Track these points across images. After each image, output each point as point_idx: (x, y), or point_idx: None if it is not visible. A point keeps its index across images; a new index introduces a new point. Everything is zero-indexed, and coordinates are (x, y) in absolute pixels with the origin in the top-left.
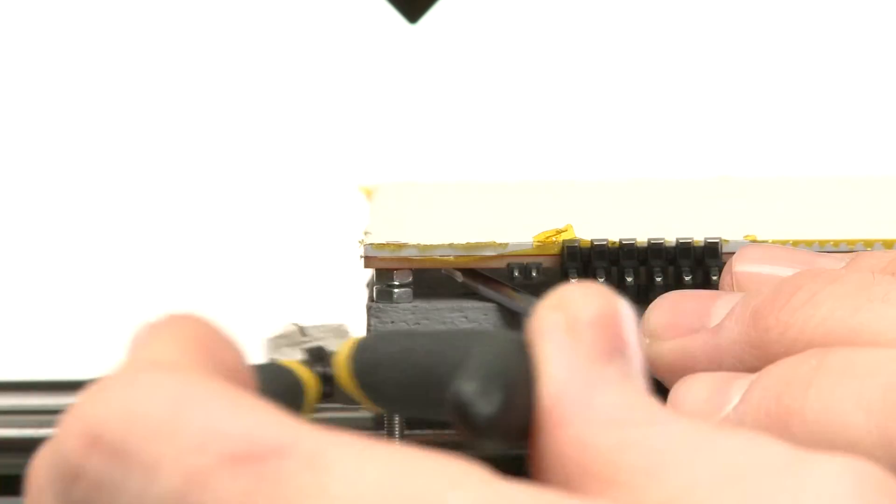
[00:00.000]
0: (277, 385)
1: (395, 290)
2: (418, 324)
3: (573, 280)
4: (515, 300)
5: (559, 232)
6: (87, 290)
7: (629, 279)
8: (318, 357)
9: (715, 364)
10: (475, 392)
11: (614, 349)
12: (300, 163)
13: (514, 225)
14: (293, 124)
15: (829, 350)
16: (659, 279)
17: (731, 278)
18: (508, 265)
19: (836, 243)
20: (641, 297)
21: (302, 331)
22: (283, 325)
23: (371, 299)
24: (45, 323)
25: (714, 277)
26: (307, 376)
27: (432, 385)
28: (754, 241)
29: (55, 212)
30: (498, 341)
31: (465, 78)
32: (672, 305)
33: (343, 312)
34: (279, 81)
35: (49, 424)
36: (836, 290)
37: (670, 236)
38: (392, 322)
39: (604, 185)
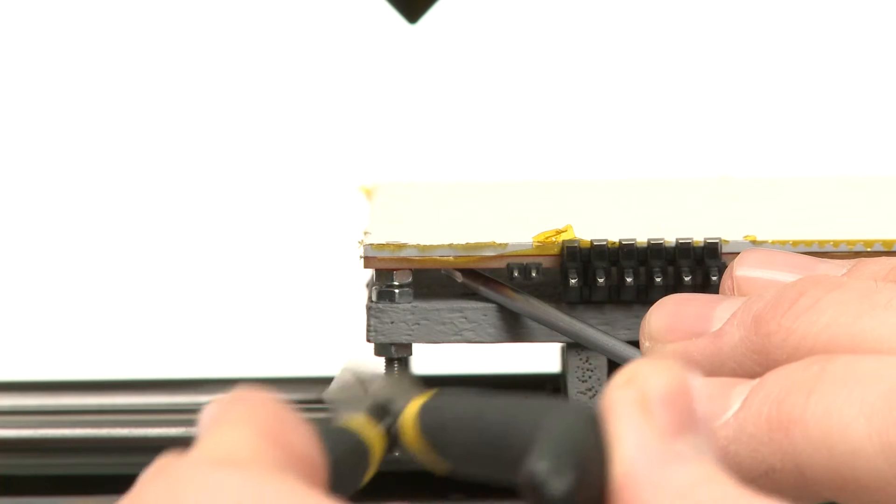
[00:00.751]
0: (343, 448)
1: (395, 291)
2: (418, 324)
3: (573, 280)
4: (515, 301)
5: (559, 232)
6: (86, 291)
7: (629, 279)
8: (383, 415)
9: (715, 369)
10: (548, 471)
11: (684, 425)
12: (300, 163)
13: (513, 225)
14: (293, 124)
15: (831, 357)
16: (659, 279)
17: (732, 282)
18: (508, 265)
19: (836, 243)
20: (641, 298)
21: (361, 382)
22: (342, 373)
23: (371, 300)
24: (46, 323)
25: (714, 278)
26: (372, 436)
27: (501, 452)
28: (754, 242)
29: (56, 212)
30: (570, 415)
31: (465, 78)
32: (673, 309)
33: (343, 312)
34: (279, 82)
35: (49, 425)
36: (839, 297)
37: (670, 236)
38: (392, 322)
39: (604, 185)
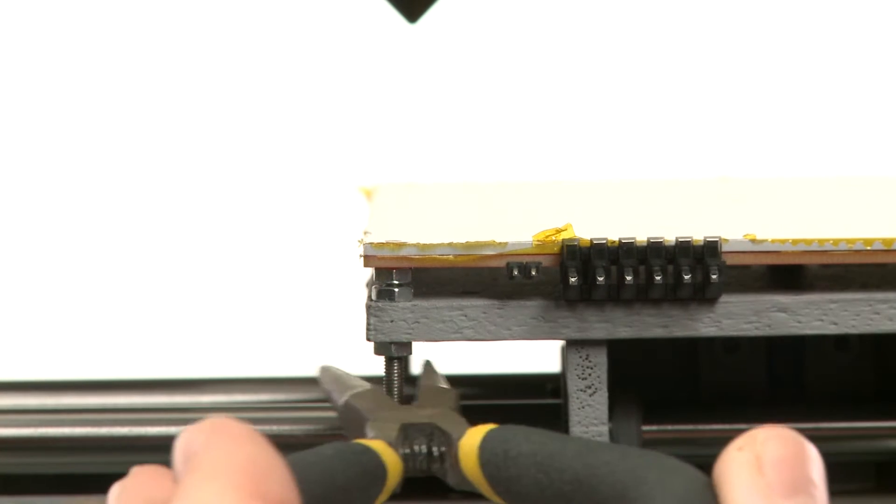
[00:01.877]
0: (356, 469)
1: (395, 289)
2: (417, 322)
3: (573, 279)
4: None
5: (559, 231)
6: (86, 291)
7: (629, 278)
8: (431, 440)
9: None
10: None
11: (797, 487)
12: (300, 163)
13: (513, 224)
14: (293, 125)
15: None
16: (658, 278)
17: None
18: (508, 264)
19: (836, 242)
20: (641, 296)
21: (386, 398)
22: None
23: (370, 298)
24: (46, 323)
25: (713, 276)
26: (391, 459)
27: (582, 497)
28: (754, 241)
29: (56, 213)
30: (680, 476)
31: (465, 78)
32: None
33: (343, 312)
34: (279, 82)
35: (49, 424)
36: None
37: (670, 236)
38: (391, 321)
39: (604, 185)
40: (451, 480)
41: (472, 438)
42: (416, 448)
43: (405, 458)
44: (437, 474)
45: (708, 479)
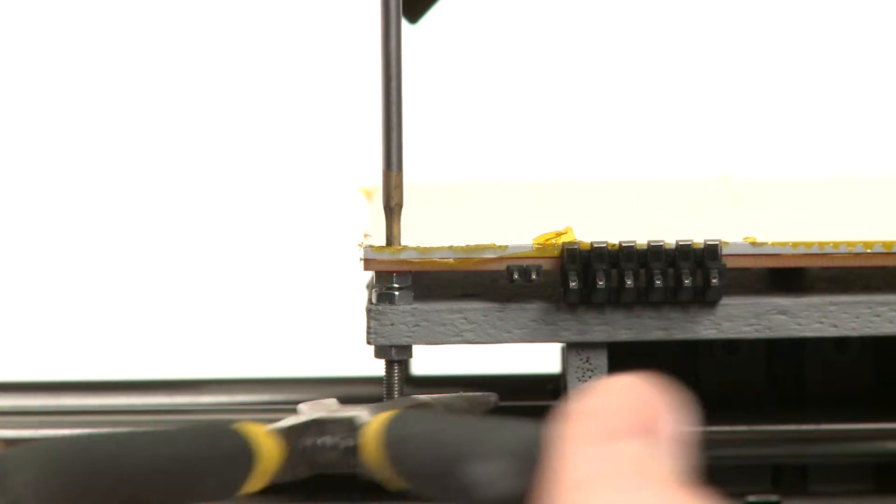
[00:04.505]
0: (211, 450)
1: (395, 293)
2: (418, 325)
3: (573, 283)
4: None
5: (559, 234)
6: (86, 291)
7: (629, 282)
8: (339, 434)
9: None
10: (487, 473)
11: (633, 431)
12: (300, 164)
13: (513, 227)
14: (293, 125)
15: None
16: (659, 281)
17: None
18: (508, 267)
19: (836, 245)
20: (641, 299)
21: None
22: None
23: (371, 301)
24: (46, 323)
25: (714, 280)
26: (267, 445)
27: (453, 465)
28: (754, 244)
29: (56, 213)
30: (519, 427)
31: (465, 78)
32: None
33: (343, 315)
34: (279, 82)
35: (49, 425)
36: None
37: (670, 238)
38: (392, 324)
39: (604, 186)
40: (360, 470)
41: (376, 422)
42: (320, 442)
43: (305, 451)
44: (352, 469)
45: (544, 427)
